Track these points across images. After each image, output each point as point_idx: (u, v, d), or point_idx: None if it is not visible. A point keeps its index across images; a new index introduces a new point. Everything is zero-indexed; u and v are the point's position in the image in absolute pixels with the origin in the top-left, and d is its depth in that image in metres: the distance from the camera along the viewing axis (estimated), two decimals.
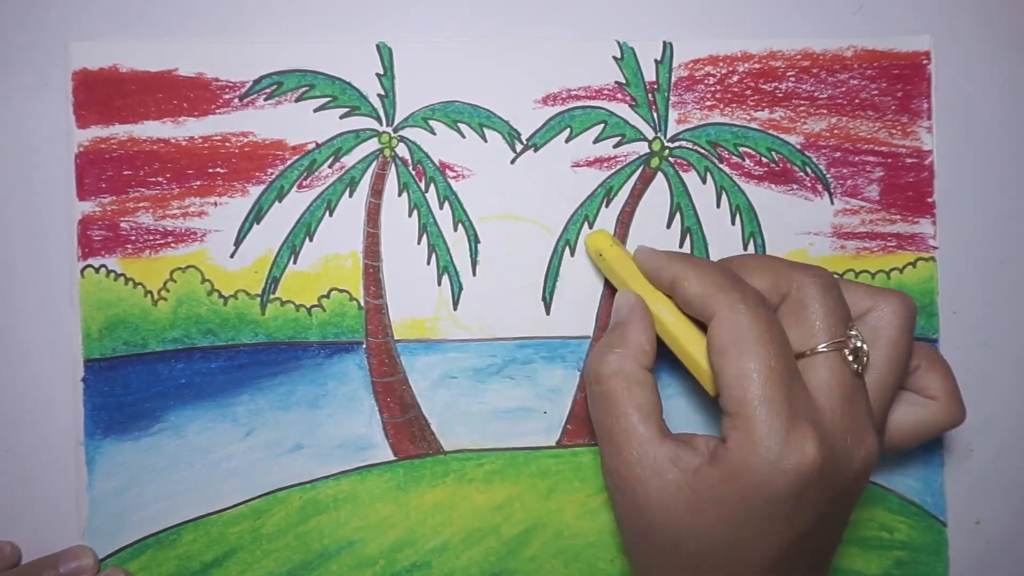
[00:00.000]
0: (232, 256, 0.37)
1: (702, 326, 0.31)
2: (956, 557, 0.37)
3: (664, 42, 0.37)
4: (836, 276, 0.34)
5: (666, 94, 0.37)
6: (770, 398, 0.28)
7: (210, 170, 0.37)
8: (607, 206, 0.37)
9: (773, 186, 0.37)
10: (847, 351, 0.29)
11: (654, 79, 0.37)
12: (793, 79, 0.37)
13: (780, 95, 0.37)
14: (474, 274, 0.37)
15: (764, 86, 0.37)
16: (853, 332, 0.30)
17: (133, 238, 0.36)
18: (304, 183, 0.37)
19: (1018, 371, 0.38)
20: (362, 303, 0.37)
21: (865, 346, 0.30)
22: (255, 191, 0.37)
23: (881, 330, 0.31)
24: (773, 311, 0.30)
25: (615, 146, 0.37)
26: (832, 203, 0.37)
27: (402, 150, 0.37)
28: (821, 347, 0.29)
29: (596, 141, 0.37)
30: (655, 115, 0.37)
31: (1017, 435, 0.38)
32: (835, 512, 0.30)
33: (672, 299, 0.32)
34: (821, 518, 0.29)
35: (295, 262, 0.37)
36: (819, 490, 0.28)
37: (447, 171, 0.37)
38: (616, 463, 0.31)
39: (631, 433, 0.31)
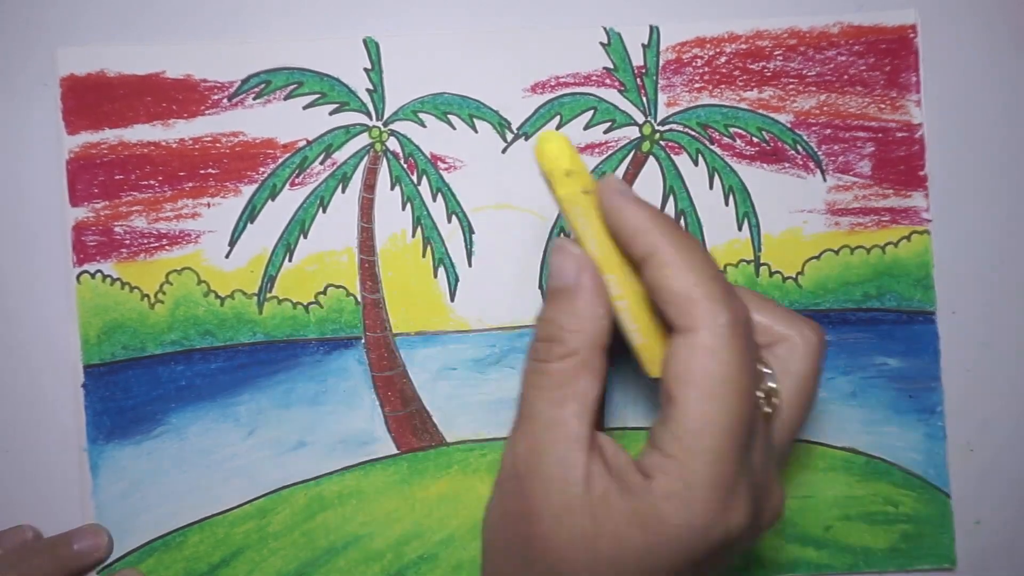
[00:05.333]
0: (227, 256, 0.37)
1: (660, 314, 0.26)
2: (957, 555, 0.37)
3: (651, 26, 0.37)
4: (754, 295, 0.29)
5: (654, 78, 0.37)
6: (723, 457, 0.24)
7: (202, 171, 0.37)
8: None
9: (765, 165, 0.37)
10: (759, 393, 0.25)
11: (642, 63, 0.37)
12: (781, 58, 0.37)
13: (768, 74, 0.37)
14: (470, 265, 0.37)
15: (752, 66, 0.37)
16: (767, 370, 0.26)
17: (127, 242, 0.36)
18: (296, 181, 0.37)
19: (1018, 371, 0.38)
20: (359, 298, 0.37)
21: (776, 386, 0.26)
22: (248, 191, 0.37)
23: (791, 364, 0.27)
24: (756, 345, 0.25)
25: (606, 132, 0.37)
26: (824, 180, 0.37)
27: (393, 144, 0.37)
28: None
29: (587, 127, 0.37)
30: (644, 99, 0.37)
31: (1017, 435, 0.37)
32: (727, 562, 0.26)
33: (634, 270, 0.27)
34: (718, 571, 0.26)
35: (290, 260, 0.37)
36: (730, 551, 0.25)
37: (439, 163, 0.37)
38: (524, 449, 0.26)
39: (560, 425, 0.26)
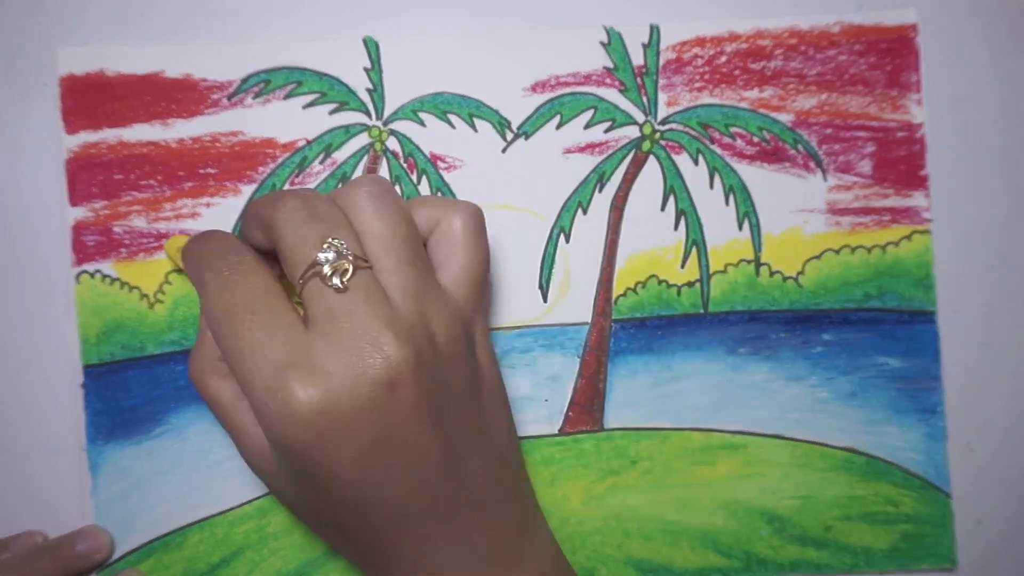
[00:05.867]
0: None
1: None
2: (958, 555, 0.37)
3: (651, 25, 0.37)
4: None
5: (655, 77, 0.37)
6: (247, 367, 0.27)
7: (201, 171, 0.37)
8: (600, 191, 0.37)
9: (766, 165, 0.37)
10: (324, 272, 0.27)
11: (642, 63, 0.37)
12: (781, 57, 0.37)
13: (769, 74, 0.37)
14: None
15: (753, 65, 0.37)
16: (325, 247, 0.28)
17: (127, 242, 0.36)
18: (296, 180, 0.37)
19: (1018, 371, 0.37)
20: None
21: (345, 255, 0.28)
22: (247, 190, 0.37)
23: (450, 240, 0.31)
24: (255, 265, 0.29)
25: (606, 131, 0.37)
26: (825, 180, 0.37)
27: (392, 143, 0.37)
28: (298, 281, 0.28)
29: (587, 127, 0.37)
30: (645, 99, 0.37)
31: (1017, 435, 0.37)
32: (418, 430, 0.28)
33: None
34: (391, 446, 0.27)
35: None
36: (349, 426, 0.27)
37: (438, 162, 0.37)
38: (242, 456, 0.31)
39: (232, 427, 0.31)
